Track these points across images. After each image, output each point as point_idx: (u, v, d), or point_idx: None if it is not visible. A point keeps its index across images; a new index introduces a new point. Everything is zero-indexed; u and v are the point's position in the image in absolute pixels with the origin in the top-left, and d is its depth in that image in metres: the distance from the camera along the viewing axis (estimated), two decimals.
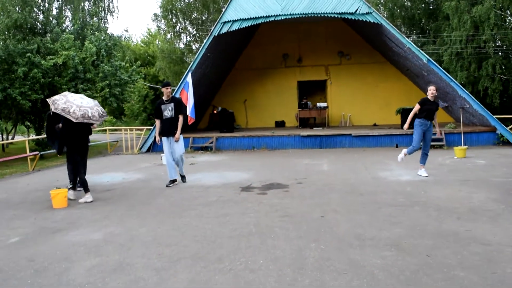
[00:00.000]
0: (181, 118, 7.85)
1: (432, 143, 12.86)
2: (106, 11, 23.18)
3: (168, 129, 7.84)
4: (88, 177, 7.76)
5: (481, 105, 13.08)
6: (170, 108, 7.82)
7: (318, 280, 3.41)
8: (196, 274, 3.63)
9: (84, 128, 6.95)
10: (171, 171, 8.00)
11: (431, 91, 7.85)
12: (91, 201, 6.73)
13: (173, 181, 8.00)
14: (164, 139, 7.90)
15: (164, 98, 7.91)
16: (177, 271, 3.72)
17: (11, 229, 5.38)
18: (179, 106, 7.94)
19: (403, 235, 4.47)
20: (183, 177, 8.30)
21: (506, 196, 6.07)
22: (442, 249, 4.00)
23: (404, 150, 8.11)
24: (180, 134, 7.85)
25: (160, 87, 8.59)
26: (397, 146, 13.36)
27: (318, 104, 17.38)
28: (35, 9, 18.72)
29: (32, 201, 7.12)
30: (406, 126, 8.10)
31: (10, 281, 3.67)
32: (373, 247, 4.12)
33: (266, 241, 4.44)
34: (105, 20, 22.91)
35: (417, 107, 7.86)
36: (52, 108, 6.59)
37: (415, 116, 7.98)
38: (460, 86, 13.16)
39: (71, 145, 6.95)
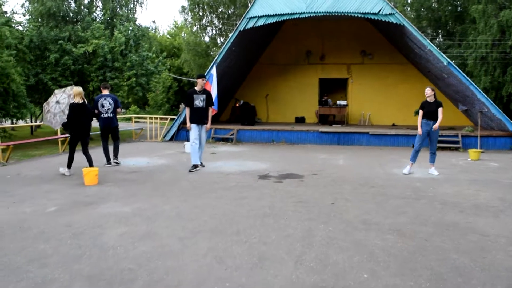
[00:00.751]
0: (210, 109, 8.67)
1: (448, 145, 13.13)
2: (136, 2, 23.81)
3: (199, 118, 8.53)
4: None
5: (499, 109, 13.20)
6: (202, 98, 8.50)
7: (323, 254, 3.81)
8: (215, 244, 4.07)
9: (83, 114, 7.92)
10: (195, 157, 8.55)
11: (425, 93, 8.33)
12: (68, 175, 7.92)
13: (196, 166, 8.52)
14: (194, 125, 8.52)
15: (197, 88, 8.55)
16: (198, 241, 4.17)
17: (48, 200, 5.93)
18: (210, 98, 8.68)
19: (406, 222, 4.83)
20: (201, 163, 8.82)
21: (511, 195, 6.34)
22: (441, 236, 4.35)
23: (409, 162, 8.48)
24: None
25: (195, 78, 9.12)
26: (413, 146, 13.54)
27: (338, 102, 17.67)
28: None
29: (64, 178, 7.69)
30: (419, 131, 8.41)
31: (52, 241, 4.17)
32: (377, 231, 4.50)
33: (279, 221, 4.86)
34: (134, 11, 23.53)
35: (420, 112, 8.34)
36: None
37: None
38: (479, 89, 13.27)
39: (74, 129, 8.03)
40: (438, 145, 13.08)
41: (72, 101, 7.84)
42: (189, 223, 4.78)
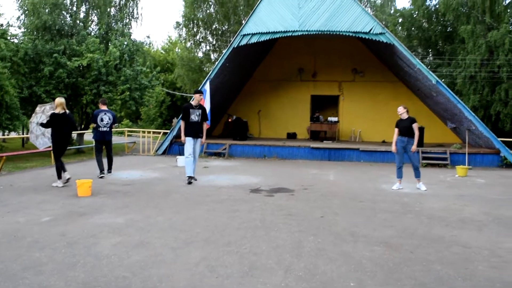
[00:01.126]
0: (205, 124, 8.96)
1: (437, 162, 13.36)
2: (131, 17, 24.09)
3: (194, 132, 8.78)
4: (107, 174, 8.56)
5: (486, 127, 13.50)
6: (198, 113, 8.78)
7: (312, 264, 3.94)
8: (207, 254, 4.18)
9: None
10: (190, 169, 8.75)
11: (398, 111, 8.68)
12: (61, 186, 7.98)
13: (191, 177, 8.72)
14: (189, 139, 8.75)
15: (193, 103, 8.83)
16: (190, 251, 4.27)
17: (42, 210, 6.00)
18: (205, 114, 8.99)
19: (393, 235, 4.98)
20: (193, 177, 8.98)
21: (496, 210, 6.53)
22: (426, 248, 4.50)
23: (397, 180, 8.72)
24: None
25: (193, 93, 9.35)
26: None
27: (330, 119, 17.90)
28: (63, 12, 19.67)
29: (58, 189, 7.75)
30: (393, 148, 8.66)
31: (46, 250, 4.25)
32: (365, 243, 4.64)
33: (270, 233, 4.98)
34: (129, 26, 23.79)
35: (396, 130, 8.62)
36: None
37: None
38: (467, 108, 13.58)
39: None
40: (427, 161, 13.37)
41: (53, 111, 8.00)
42: (182, 234, 4.88)
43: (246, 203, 6.78)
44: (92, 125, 9.67)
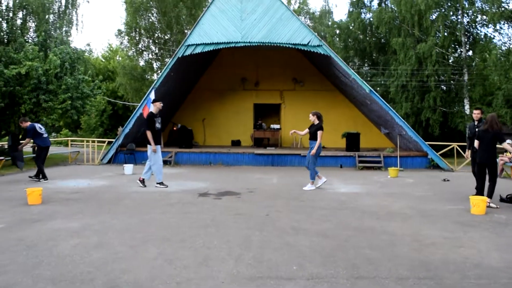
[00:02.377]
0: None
1: (372, 165, 14.38)
2: (70, 25, 23.64)
3: (159, 139, 9.36)
4: (54, 183, 9.28)
5: (415, 132, 14.72)
6: (159, 121, 9.36)
7: (259, 254, 4.43)
8: (164, 250, 4.56)
9: None
10: (160, 175, 9.35)
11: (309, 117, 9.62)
12: None
13: (162, 183, 9.37)
14: (158, 147, 9.24)
15: (154, 112, 9.22)
16: (147, 248, 4.63)
17: None
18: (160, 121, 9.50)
19: (330, 228, 5.59)
20: (144, 181, 9.49)
21: (420, 205, 7.37)
22: (358, 237, 5.13)
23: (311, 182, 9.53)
24: None
25: (152, 102, 9.75)
26: (341, 166, 14.74)
27: (272, 126, 18.65)
28: None
29: (6, 198, 7.76)
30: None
31: (7, 253, 4.44)
32: (305, 235, 5.20)
33: (220, 230, 5.43)
34: (69, 34, 23.35)
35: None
36: None
37: None
38: (397, 114, 14.74)
39: None
40: (363, 164, 14.36)
41: None
42: (138, 234, 5.21)
43: (196, 205, 7.18)
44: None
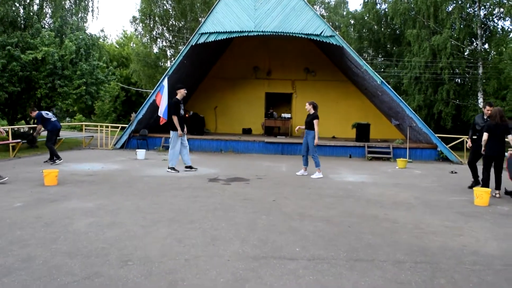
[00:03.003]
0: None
1: (381, 155, 14.48)
2: (87, 11, 23.88)
3: (183, 125, 9.61)
4: (68, 166, 9.69)
5: (425, 124, 14.76)
6: (183, 107, 9.71)
7: (264, 236, 4.63)
8: (173, 230, 4.78)
9: None
10: (174, 160, 9.64)
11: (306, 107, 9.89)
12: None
13: (174, 168, 9.65)
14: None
15: (179, 98, 9.63)
16: (158, 228, 4.86)
17: (12, 197, 6.36)
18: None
19: (335, 215, 5.77)
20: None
21: (425, 195, 7.50)
22: (361, 224, 5.30)
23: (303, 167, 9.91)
24: None
25: (177, 89, 9.93)
26: (350, 157, 14.85)
27: (283, 115, 18.80)
28: (16, 3, 19.34)
29: (24, 179, 8.06)
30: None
31: (27, 229, 4.70)
32: (310, 220, 5.39)
33: (228, 213, 5.64)
34: (85, 20, 23.62)
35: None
36: None
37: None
38: (408, 106, 14.78)
39: None
40: (372, 155, 14.46)
41: None
42: (149, 215, 5.44)
43: (206, 190, 7.40)
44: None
